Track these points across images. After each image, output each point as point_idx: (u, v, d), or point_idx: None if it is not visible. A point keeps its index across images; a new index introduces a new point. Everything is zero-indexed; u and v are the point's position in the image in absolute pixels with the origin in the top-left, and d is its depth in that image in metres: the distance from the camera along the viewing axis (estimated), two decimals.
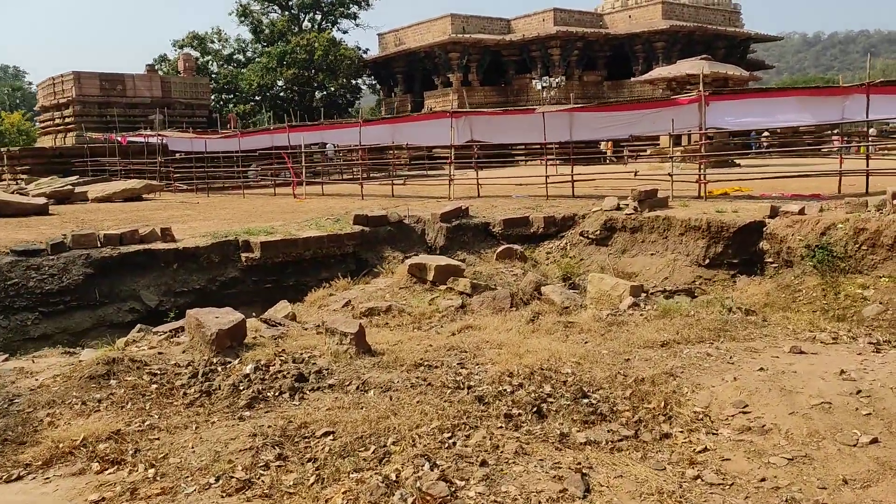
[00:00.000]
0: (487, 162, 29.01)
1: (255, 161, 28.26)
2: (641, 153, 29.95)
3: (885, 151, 27.39)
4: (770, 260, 11.11)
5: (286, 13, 52.26)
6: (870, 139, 23.69)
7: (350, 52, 48.30)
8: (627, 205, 13.46)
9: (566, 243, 13.77)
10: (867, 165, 14.49)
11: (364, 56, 50.74)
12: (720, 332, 5.70)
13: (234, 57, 52.69)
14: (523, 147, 32.54)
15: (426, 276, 8.17)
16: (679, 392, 4.48)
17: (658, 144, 30.26)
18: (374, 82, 54.15)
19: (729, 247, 11.69)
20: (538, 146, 23.61)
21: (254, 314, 8.93)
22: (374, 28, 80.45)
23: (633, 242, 12.97)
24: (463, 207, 14.39)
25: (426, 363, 5.26)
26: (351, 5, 52.63)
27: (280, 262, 11.60)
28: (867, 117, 14.40)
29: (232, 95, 50.67)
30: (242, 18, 51.13)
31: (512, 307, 7.31)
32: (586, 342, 5.68)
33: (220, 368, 5.29)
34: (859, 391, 4.24)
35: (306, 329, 6.34)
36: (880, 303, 9.11)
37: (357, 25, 54.73)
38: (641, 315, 6.43)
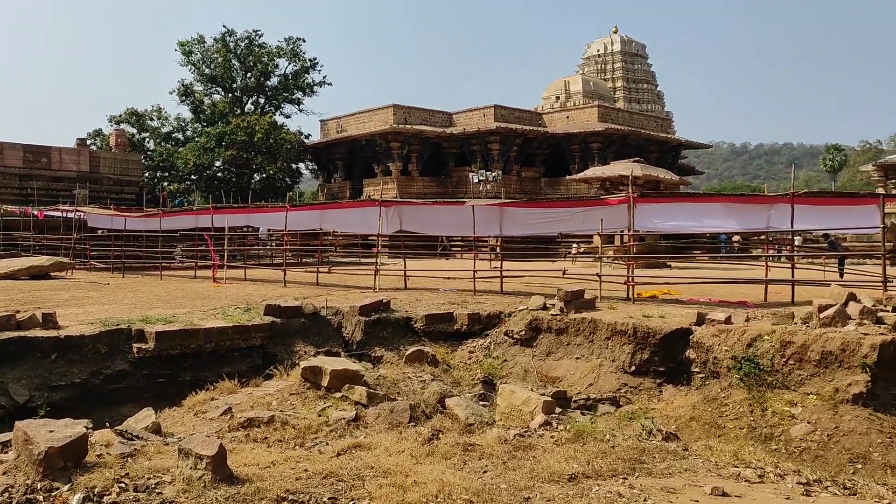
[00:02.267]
0: (421, 253, 28.63)
1: (181, 242, 27.22)
2: (568, 251, 29.89)
3: (809, 261, 28.17)
4: (697, 370, 10.65)
5: (229, 95, 52.18)
6: (795, 248, 24.23)
7: (291, 136, 48.20)
8: (554, 304, 13.00)
9: (490, 342, 13.16)
10: (793, 275, 14.47)
11: (305, 141, 50.72)
12: (636, 464, 5.05)
13: (173, 135, 51.96)
14: (460, 238, 32.38)
15: (321, 381, 7.37)
16: None
17: (591, 242, 30.48)
18: (315, 167, 54.01)
19: (655, 354, 11.22)
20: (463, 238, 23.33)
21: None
22: (317, 114, 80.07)
23: (559, 345, 12.44)
24: (384, 300, 13.71)
25: (292, 496, 4.43)
26: (295, 91, 52.95)
27: (177, 354, 10.60)
28: (792, 227, 14.51)
29: (167, 173, 49.64)
30: (184, 98, 50.75)
31: (411, 422, 6.55)
32: (485, 471, 4.95)
33: (41, 497, 4.36)
34: None
35: (167, 444, 5.43)
36: (808, 422, 8.67)
37: (301, 111, 54.99)
38: (552, 437, 5.75)
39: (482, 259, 20.50)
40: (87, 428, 5.53)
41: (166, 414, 7.71)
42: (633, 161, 33.52)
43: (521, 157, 45.42)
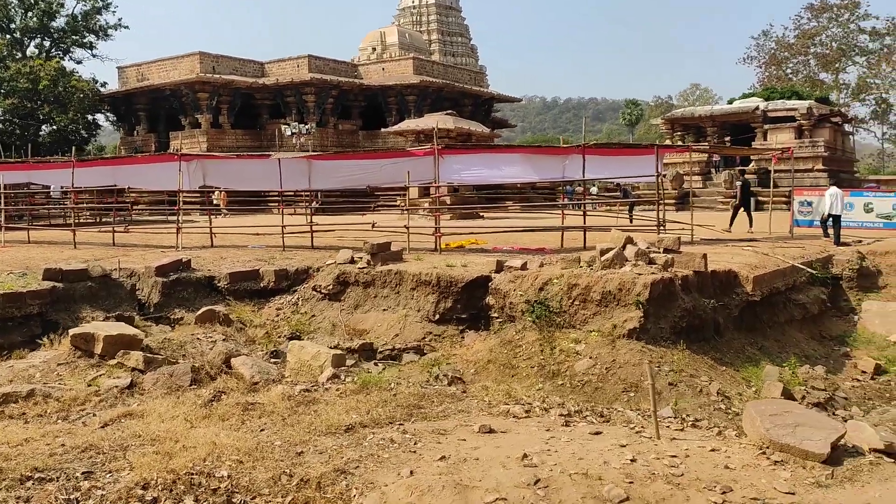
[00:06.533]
0: (235, 209, 27.50)
1: None
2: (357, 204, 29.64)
3: (608, 208, 30.31)
4: (495, 315, 11.09)
5: (7, 37, 46.28)
6: (589, 197, 25.93)
7: (84, 84, 43.75)
8: (362, 258, 12.99)
9: (298, 298, 12.94)
10: (584, 222, 15.41)
11: (102, 90, 46.35)
12: (414, 410, 5.17)
13: None
14: (276, 193, 31.40)
15: (94, 348, 6.82)
16: (346, 496, 3.79)
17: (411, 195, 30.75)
18: (115, 119, 49.63)
19: (458, 302, 11.56)
20: (291, 192, 22.62)
21: None
22: (114, 60, 71.58)
23: (367, 297, 12.47)
24: (184, 260, 13.01)
25: (40, 474, 4.07)
26: (86, 34, 47.97)
27: None
28: (584, 176, 15.46)
29: None
30: None
31: (193, 385, 6.26)
32: (262, 430, 4.84)
33: None
34: (538, 481, 3.84)
35: None
36: (590, 357, 9.31)
37: (94, 56, 49.94)
38: (338, 390, 5.74)
39: (294, 214, 20.04)
40: None
41: None
42: (446, 114, 34.09)
43: (338, 109, 44.58)
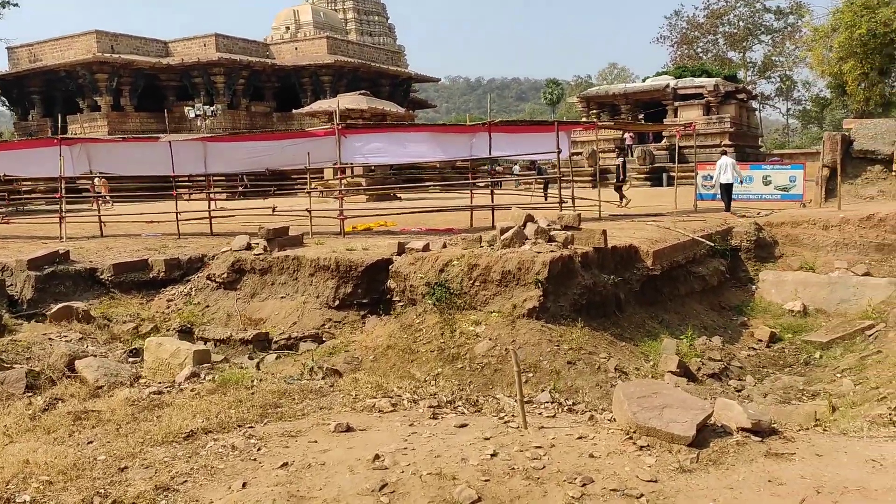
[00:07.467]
0: (137, 195, 26.12)
1: None
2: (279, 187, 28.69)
3: (526, 186, 30.22)
4: (397, 298, 10.72)
5: None
6: (512, 175, 25.72)
7: None
8: (258, 244, 12.39)
9: (192, 289, 12.27)
10: (492, 200, 15.17)
11: None
12: (270, 410, 4.71)
13: None
14: (186, 178, 30.01)
15: None
16: None
17: (323, 177, 29.92)
18: (6, 103, 46.51)
19: (359, 286, 11.15)
20: (202, 177, 21.52)
21: None
22: (3, 41, 65.95)
23: (264, 285, 11.91)
24: (62, 251, 12.11)
25: None
26: None
27: None
28: (490, 154, 15.21)
29: None
30: None
31: (28, 392, 5.63)
32: (90, 442, 4.29)
33: None
34: (385, 485, 3.47)
35: None
36: (490, 339, 9.05)
37: None
38: (193, 391, 5.23)
39: (206, 199, 19.09)
40: None
41: None
42: (360, 94, 33.25)
43: (250, 90, 43.04)
